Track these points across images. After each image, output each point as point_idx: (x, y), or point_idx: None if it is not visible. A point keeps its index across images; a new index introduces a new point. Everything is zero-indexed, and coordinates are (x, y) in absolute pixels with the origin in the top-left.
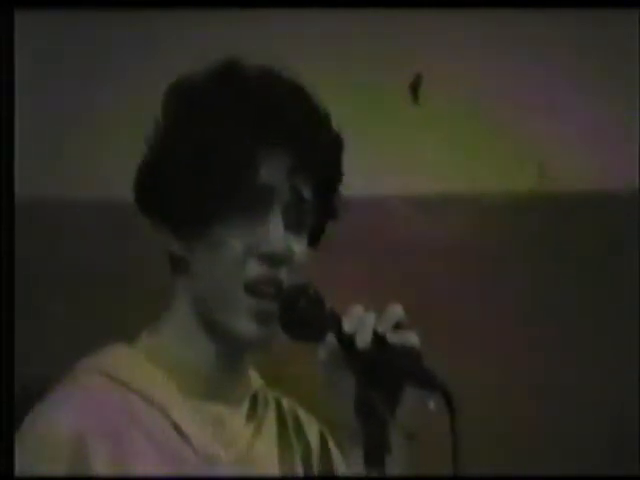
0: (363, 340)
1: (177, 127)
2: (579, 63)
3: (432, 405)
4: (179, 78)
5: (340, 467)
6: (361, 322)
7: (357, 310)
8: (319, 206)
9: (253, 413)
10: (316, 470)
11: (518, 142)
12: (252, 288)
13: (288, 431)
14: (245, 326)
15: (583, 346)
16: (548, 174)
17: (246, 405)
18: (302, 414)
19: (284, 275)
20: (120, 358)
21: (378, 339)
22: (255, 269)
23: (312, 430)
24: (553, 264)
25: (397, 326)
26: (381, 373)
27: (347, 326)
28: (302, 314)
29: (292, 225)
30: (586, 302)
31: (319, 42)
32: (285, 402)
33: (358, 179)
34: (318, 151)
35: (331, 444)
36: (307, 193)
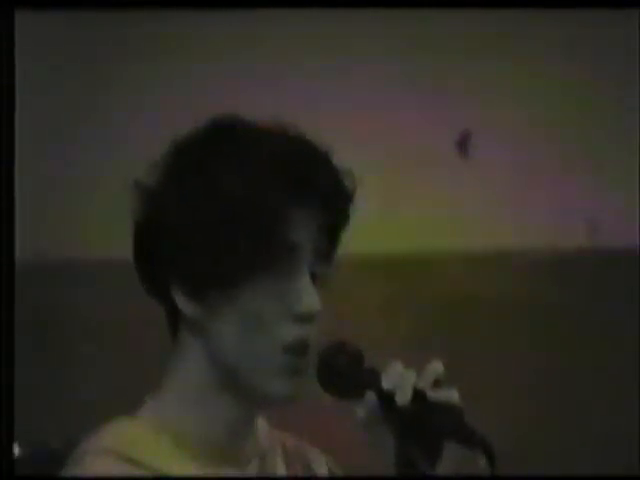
0: (403, 397)
1: (196, 188)
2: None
3: (482, 464)
4: (188, 136)
5: None
6: (401, 379)
7: (397, 367)
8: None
9: (264, 469)
10: None
11: (567, 198)
12: (291, 350)
13: (296, 472)
14: (277, 386)
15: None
16: (597, 230)
17: (256, 462)
18: (308, 451)
19: (312, 330)
20: (126, 434)
21: (418, 396)
22: (292, 331)
23: (321, 466)
24: (602, 320)
25: (437, 383)
26: (421, 430)
27: (386, 383)
28: (341, 371)
29: (314, 280)
30: (635, 359)
31: (366, 101)
32: (289, 441)
33: (406, 236)
34: (340, 207)
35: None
36: (324, 245)
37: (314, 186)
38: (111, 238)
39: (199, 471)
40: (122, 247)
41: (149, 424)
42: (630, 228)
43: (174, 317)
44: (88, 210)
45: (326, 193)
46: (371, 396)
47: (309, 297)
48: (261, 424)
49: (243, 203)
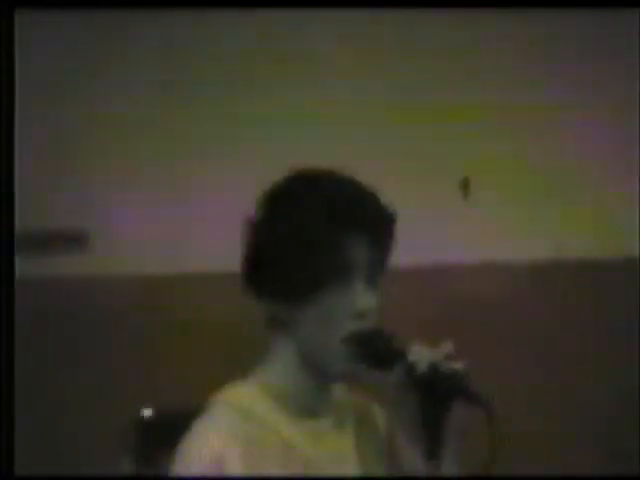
0: (421, 367)
1: (284, 226)
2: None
3: (484, 417)
4: (279, 187)
5: (406, 454)
6: (420, 355)
7: (418, 346)
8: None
9: (338, 420)
10: (386, 456)
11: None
12: (349, 340)
13: (363, 426)
14: (338, 367)
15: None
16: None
17: (332, 415)
18: (374, 410)
19: (368, 324)
20: (242, 393)
21: (433, 367)
22: (350, 325)
23: (380, 417)
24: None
25: (448, 357)
26: (435, 391)
27: (411, 357)
28: (378, 350)
29: (371, 285)
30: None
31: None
32: (359, 402)
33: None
34: (384, 229)
35: (402, 438)
36: (377, 258)
37: (366, 218)
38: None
39: (289, 419)
40: None
41: (256, 386)
42: None
43: (272, 316)
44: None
45: (375, 222)
46: (399, 367)
47: (363, 299)
48: (338, 387)
49: (314, 234)
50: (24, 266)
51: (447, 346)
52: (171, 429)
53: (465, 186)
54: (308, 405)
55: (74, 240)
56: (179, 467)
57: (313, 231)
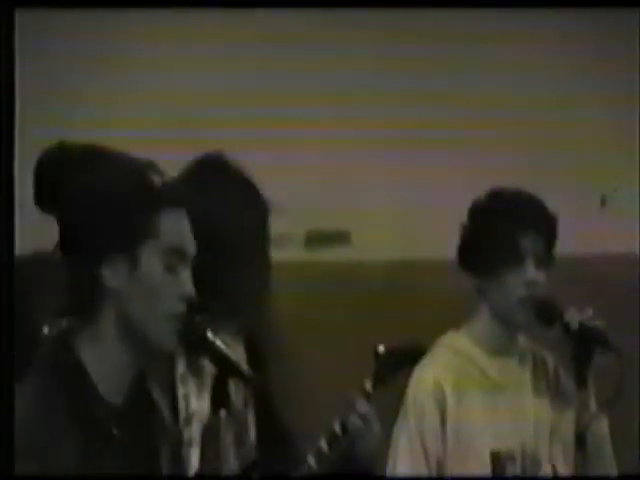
0: (574, 323)
1: (481, 227)
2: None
3: (614, 360)
4: (480, 200)
5: (564, 384)
6: (572, 315)
7: (570, 309)
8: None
9: (520, 359)
10: (551, 387)
11: None
12: (524, 302)
13: (538, 366)
14: (516, 320)
15: None
16: None
17: (516, 356)
18: (546, 355)
19: (536, 291)
20: (455, 338)
21: (581, 324)
22: (522, 291)
23: (551, 364)
24: None
25: (591, 318)
26: (583, 341)
27: (566, 317)
28: (545, 312)
29: (540, 265)
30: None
31: None
32: (535, 349)
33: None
34: (548, 226)
35: (561, 373)
36: (544, 246)
37: (535, 220)
38: None
39: (486, 356)
40: None
41: (466, 334)
42: None
43: (475, 287)
44: None
45: (542, 222)
46: (559, 324)
47: (532, 274)
48: (521, 338)
49: (500, 232)
50: (306, 254)
51: (589, 311)
52: (396, 361)
53: (603, 201)
54: (499, 347)
55: (339, 236)
56: (412, 389)
57: (499, 230)
